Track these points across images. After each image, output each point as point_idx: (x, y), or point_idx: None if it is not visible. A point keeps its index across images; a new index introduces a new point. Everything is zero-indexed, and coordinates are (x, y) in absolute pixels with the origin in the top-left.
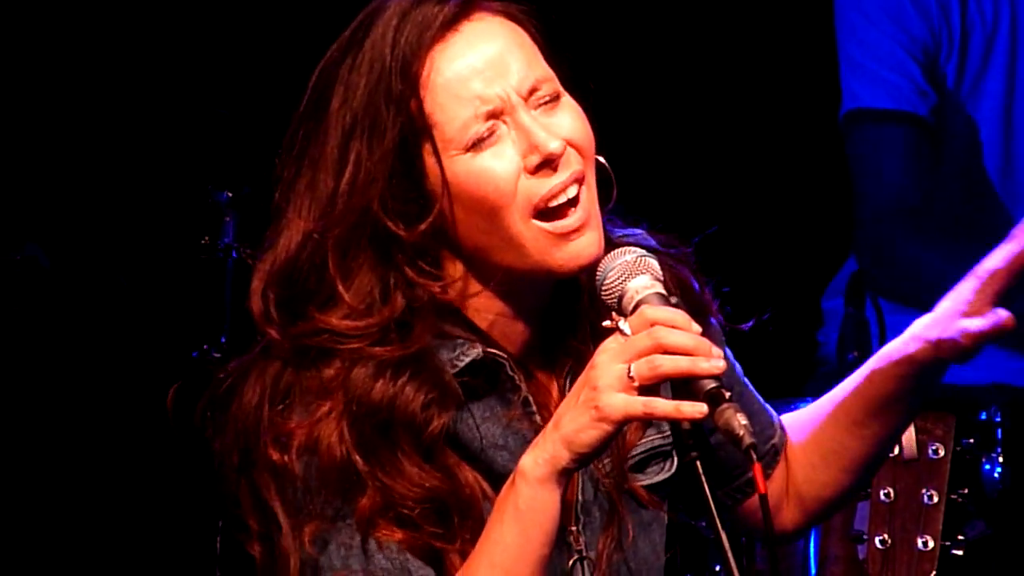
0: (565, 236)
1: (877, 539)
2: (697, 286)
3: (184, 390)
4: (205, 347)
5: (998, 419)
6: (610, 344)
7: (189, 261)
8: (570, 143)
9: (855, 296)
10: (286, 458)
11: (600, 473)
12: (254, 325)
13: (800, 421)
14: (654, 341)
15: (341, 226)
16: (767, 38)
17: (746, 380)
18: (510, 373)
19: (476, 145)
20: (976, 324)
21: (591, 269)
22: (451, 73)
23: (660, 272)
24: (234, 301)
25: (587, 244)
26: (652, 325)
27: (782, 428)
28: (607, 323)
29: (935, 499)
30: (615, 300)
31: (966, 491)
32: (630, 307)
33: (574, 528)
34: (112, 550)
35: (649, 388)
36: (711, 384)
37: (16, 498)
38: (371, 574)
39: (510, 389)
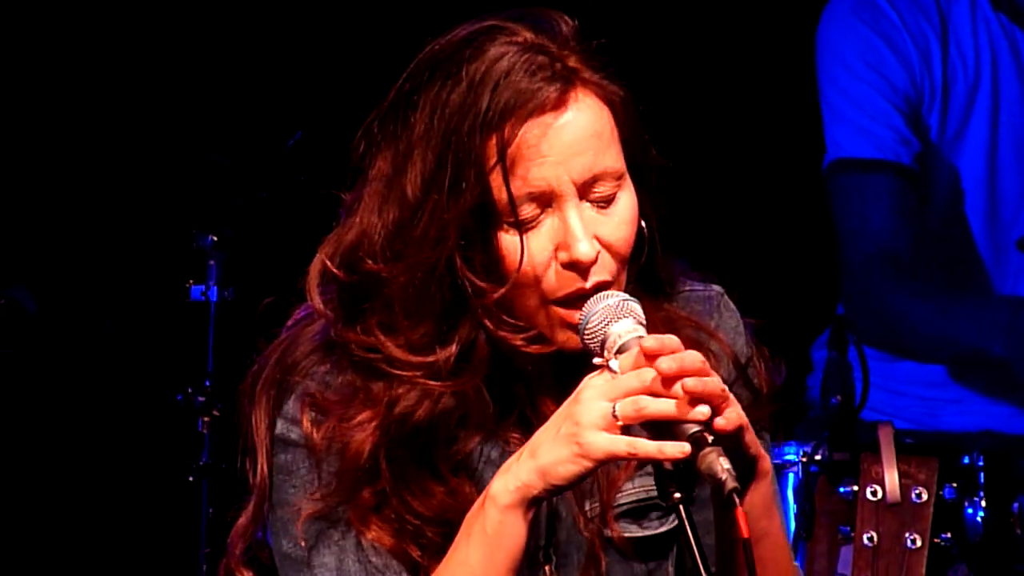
0: (576, 325)
1: None
2: (772, 369)
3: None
4: (189, 390)
5: (981, 464)
6: (596, 380)
7: (173, 305)
8: (606, 246)
9: (838, 341)
10: (315, 435)
11: (584, 516)
12: (303, 297)
13: None
14: (641, 382)
15: (408, 275)
16: (753, 93)
17: None
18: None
19: (519, 223)
20: None
21: None
22: (524, 151)
23: (643, 316)
24: (217, 344)
25: None
26: (646, 357)
27: None
28: (597, 360)
29: (918, 543)
30: (597, 344)
31: (949, 535)
32: (613, 351)
33: (547, 568)
34: None
35: (632, 428)
36: (694, 428)
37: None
38: (346, 571)
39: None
